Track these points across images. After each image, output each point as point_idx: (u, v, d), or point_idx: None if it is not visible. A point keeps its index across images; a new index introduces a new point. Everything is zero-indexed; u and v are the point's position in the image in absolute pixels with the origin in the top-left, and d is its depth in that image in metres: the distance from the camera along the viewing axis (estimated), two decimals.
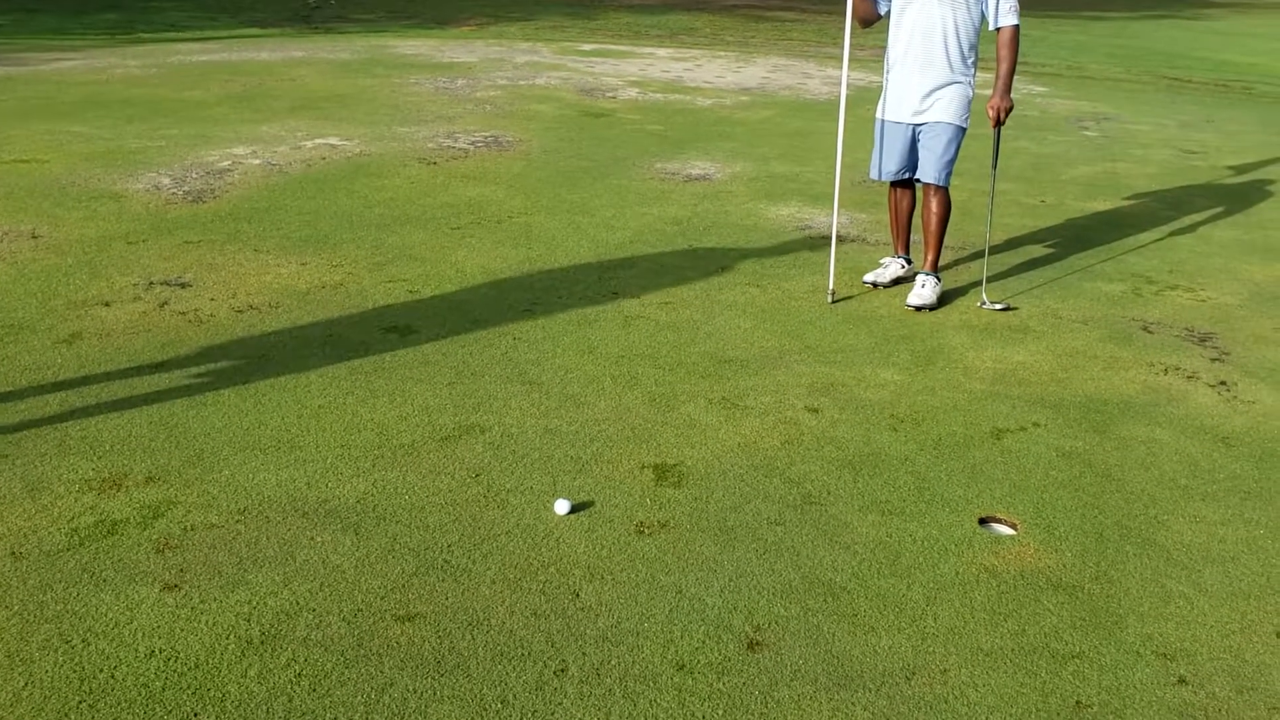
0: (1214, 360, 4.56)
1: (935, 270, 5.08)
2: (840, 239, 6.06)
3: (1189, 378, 4.37)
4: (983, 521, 3.24)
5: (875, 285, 5.24)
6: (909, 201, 5.28)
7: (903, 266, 5.32)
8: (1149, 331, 4.86)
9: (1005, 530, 3.22)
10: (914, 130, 5.01)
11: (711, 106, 10.27)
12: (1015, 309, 5.04)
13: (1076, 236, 6.36)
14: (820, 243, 5.95)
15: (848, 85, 5.16)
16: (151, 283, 4.81)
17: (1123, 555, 3.09)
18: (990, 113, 4.93)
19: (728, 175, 7.44)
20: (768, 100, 10.85)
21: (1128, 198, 7.41)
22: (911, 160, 5.07)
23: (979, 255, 5.56)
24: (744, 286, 5.18)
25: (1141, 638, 2.74)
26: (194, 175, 6.61)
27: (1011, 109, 4.95)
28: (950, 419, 3.89)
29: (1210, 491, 3.48)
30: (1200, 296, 5.37)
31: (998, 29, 4.86)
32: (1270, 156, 9.31)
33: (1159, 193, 7.60)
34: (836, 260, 5.15)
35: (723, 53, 14.96)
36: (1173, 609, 2.86)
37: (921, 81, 4.90)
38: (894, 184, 5.22)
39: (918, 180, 5.11)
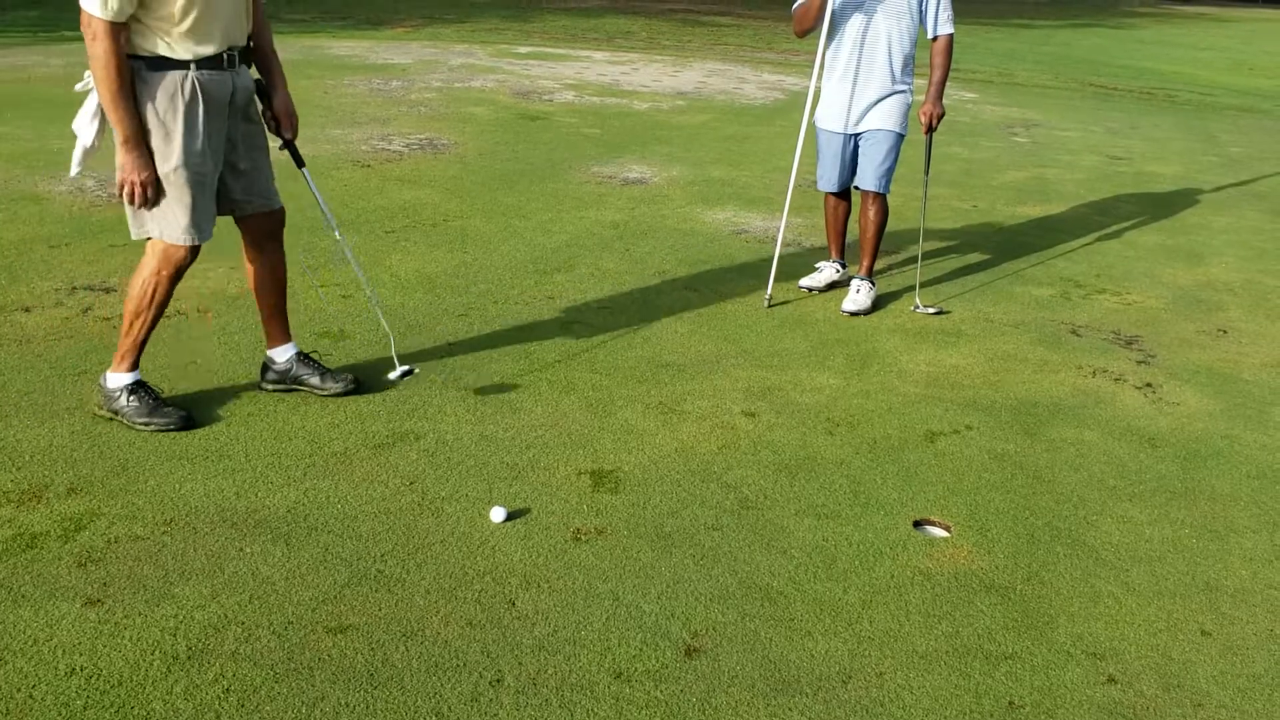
0: (1140, 363, 4.65)
1: (870, 276, 5.12)
2: (776, 242, 6.09)
3: (1116, 380, 4.45)
4: (917, 524, 3.27)
5: (811, 290, 5.27)
6: (845, 208, 5.32)
7: (837, 271, 5.36)
8: (1077, 335, 4.95)
9: (939, 532, 3.25)
10: (855, 139, 5.04)
11: (648, 110, 10.28)
12: (948, 313, 5.10)
13: (1007, 241, 6.46)
14: (756, 247, 5.98)
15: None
16: (74, 287, 4.68)
17: (1053, 556, 3.14)
18: (923, 119, 4.98)
19: (664, 179, 7.45)
20: (704, 104, 10.89)
21: (1056, 203, 7.55)
22: (854, 168, 5.11)
23: (912, 260, 5.62)
24: (681, 291, 5.18)
25: (1072, 638, 2.77)
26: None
27: (943, 115, 5.01)
28: (885, 422, 3.93)
29: (1137, 492, 3.55)
30: (1126, 300, 5.48)
31: (934, 37, 4.91)
32: (1193, 162, 9.55)
33: (1086, 198, 7.76)
34: (772, 264, 5.17)
35: (659, 57, 14.99)
36: (1102, 609, 2.91)
37: (863, 92, 4.93)
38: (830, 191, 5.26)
39: (856, 187, 5.15)
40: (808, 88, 5.22)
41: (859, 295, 5.04)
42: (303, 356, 3.80)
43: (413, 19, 17.57)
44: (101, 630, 2.54)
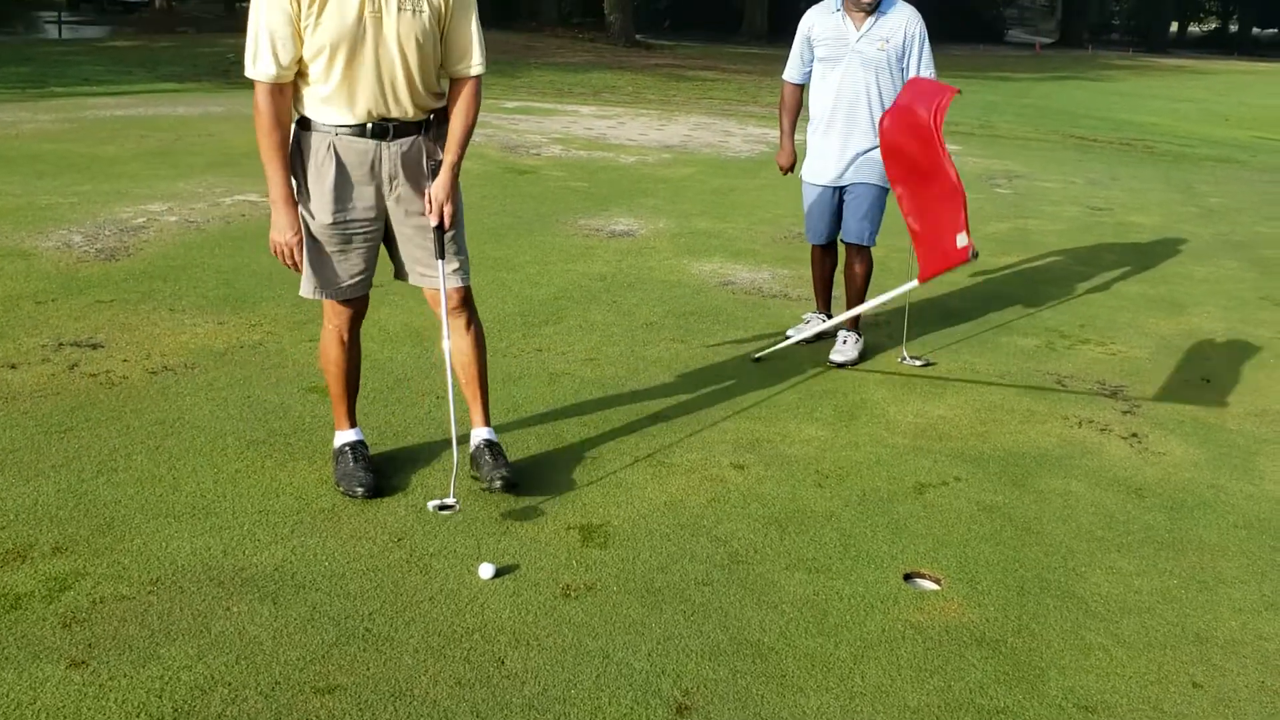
0: (1125, 413, 4.68)
1: (857, 327, 5.15)
2: (763, 294, 6.13)
3: (1102, 430, 4.47)
4: (907, 577, 3.27)
5: (799, 342, 5.30)
6: (832, 260, 5.36)
7: (823, 322, 5.39)
8: (1063, 385, 4.98)
9: (930, 585, 3.24)
10: (839, 192, 5.09)
11: (634, 163, 10.37)
12: (934, 364, 5.13)
13: (991, 292, 6.51)
14: (743, 298, 6.01)
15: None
16: (61, 343, 4.67)
17: (1043, 608, 3.14)
18: None
19: (651, 231, 7.50)
20: (689, 158, 11.00)
21: (1039, 254, 7.63)
22: (839, 222, 5.16)
23: (899, 311, 5.66)
24: (668, 343, 5.20)
25: (1063, 690, 2.77)
26: (107, 232, 6.47)
27: None
28: (874, 474, 3.93)
29: (1125, 542, 3.56)
30: (1111, 350, 5.52)
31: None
32: (1172, 213, 9.67)
33: (1069, 249, 7.84)
34: (760, 316, 5.20)
35: (645, 111, 15.15)
36: (1092, 661, 2.90)
37: (845, 145, 4.98)
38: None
39: (842, 240, 5.19)
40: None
41: (846, 346, 5.07)
42: (490, 446, 3.62)
43: None
44: (86, 693, 2.51)
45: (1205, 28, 66.54)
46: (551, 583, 3.09)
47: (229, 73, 17.84)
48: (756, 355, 5.05)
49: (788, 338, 5.30)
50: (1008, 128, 16.16)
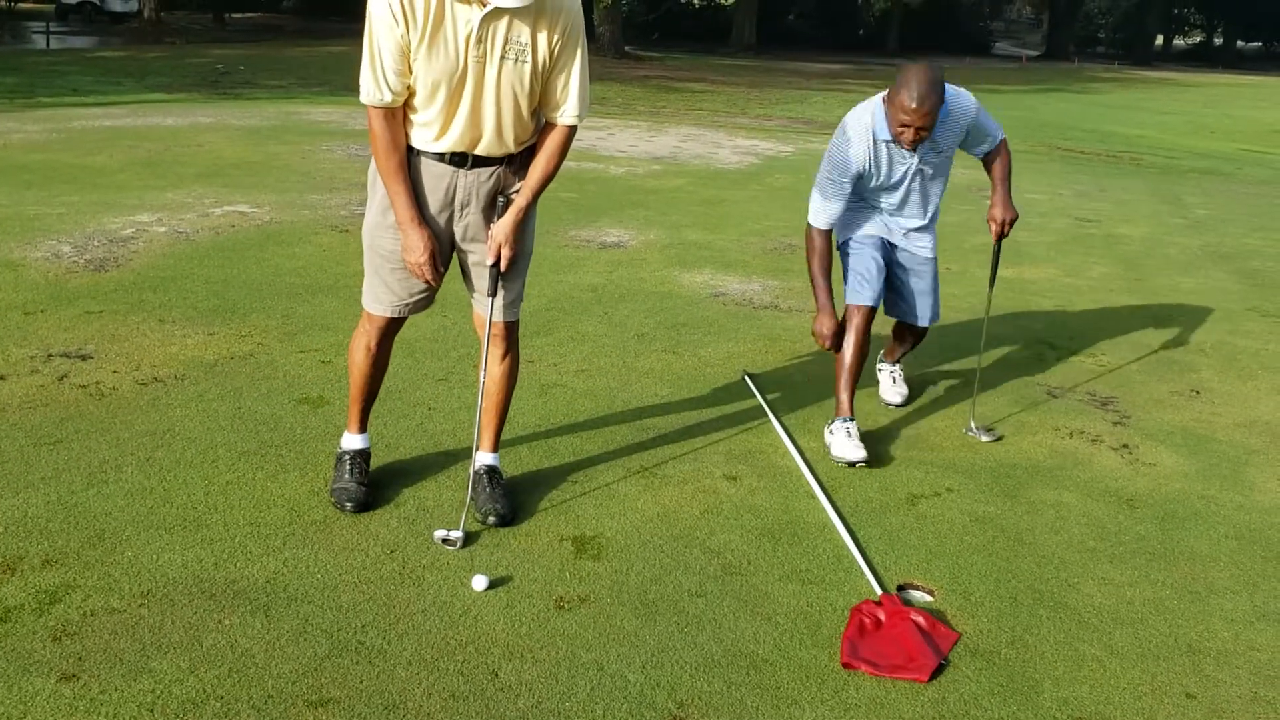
0: (1116, 424, 4.69)
1: (900, 360, 4.89)
2: (754, 305, 6.14)
3: (1093, 441, 4.48)
4: (900, 588, 3.27)
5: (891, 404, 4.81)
6: (867, 331, 4.39)
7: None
8: (1053, 396, 4.99)
9: (923, 597, 3.24)
10: (888, 248, 4.48)
11: (624, 175, 10.38)
12: (1004, 438, 4.91)
13: (980, 303, 6.53)
14: (734, 309, 6.02)
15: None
16: (50, 355, 4.65)
17: (1036, 619, 3.14)
18: (993, 227, 4.40)
19: (641, 243, 7.51)
20: (679, 169, 11.02)
21: (1028, 265, 7.66)
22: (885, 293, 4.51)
23: (967, 383, 5.64)
24: (660, 354, 5.20)
25: (1057, 702, 2.77)
26: (96, 243, 6.45)
27: (1016, 219, 4.41)
28: (866, 484, 3.94)
29: (1117, 553, 3.56)
30: (1100, 361, 5.54)
31: (991, 151, 4.42)
32: (1160, 224, 9.72)
33: (1057, 260, 7.87)
34: (751, 327, 5.20)
35: (634, 122, 15.18)
36: (1086, 672, 2.90)
37: (890, 217, 4.47)
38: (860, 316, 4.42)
39: (902, 320, 4.65)
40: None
41: (897, 385, 4.81)
42: (490, 473, 3.60)
43: None
44: (77, 706, 2.49)
45: (1190, 41, 67.07)
46: (545, 595, 3.08)
47: (218, 83, 17.83)
48: (745, 374, 5.02)
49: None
50: None
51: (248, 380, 4.50)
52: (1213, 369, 5.55)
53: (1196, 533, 3.74)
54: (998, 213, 4.39)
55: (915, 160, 4.25)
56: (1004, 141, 4.43)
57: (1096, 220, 9.67)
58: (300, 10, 44.10)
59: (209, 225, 7.07)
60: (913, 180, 4.33)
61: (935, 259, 4.53)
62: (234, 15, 39.52)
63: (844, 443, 4.09)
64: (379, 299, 3.44)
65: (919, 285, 4.52)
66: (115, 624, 2.80)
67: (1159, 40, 61.68)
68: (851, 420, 4.20)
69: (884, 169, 4.26)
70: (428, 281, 3.33)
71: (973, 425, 4.53)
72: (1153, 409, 4.91)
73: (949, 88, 4.12)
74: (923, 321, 4.57)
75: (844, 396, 4.27)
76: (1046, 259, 7.89)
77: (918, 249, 4.48)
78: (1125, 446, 4.45)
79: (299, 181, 8.79)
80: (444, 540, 3.28)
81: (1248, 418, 4.87)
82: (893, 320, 4.75)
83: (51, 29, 29.62)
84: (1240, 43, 62.27)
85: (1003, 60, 47.31)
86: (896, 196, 4.39)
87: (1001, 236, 4.43)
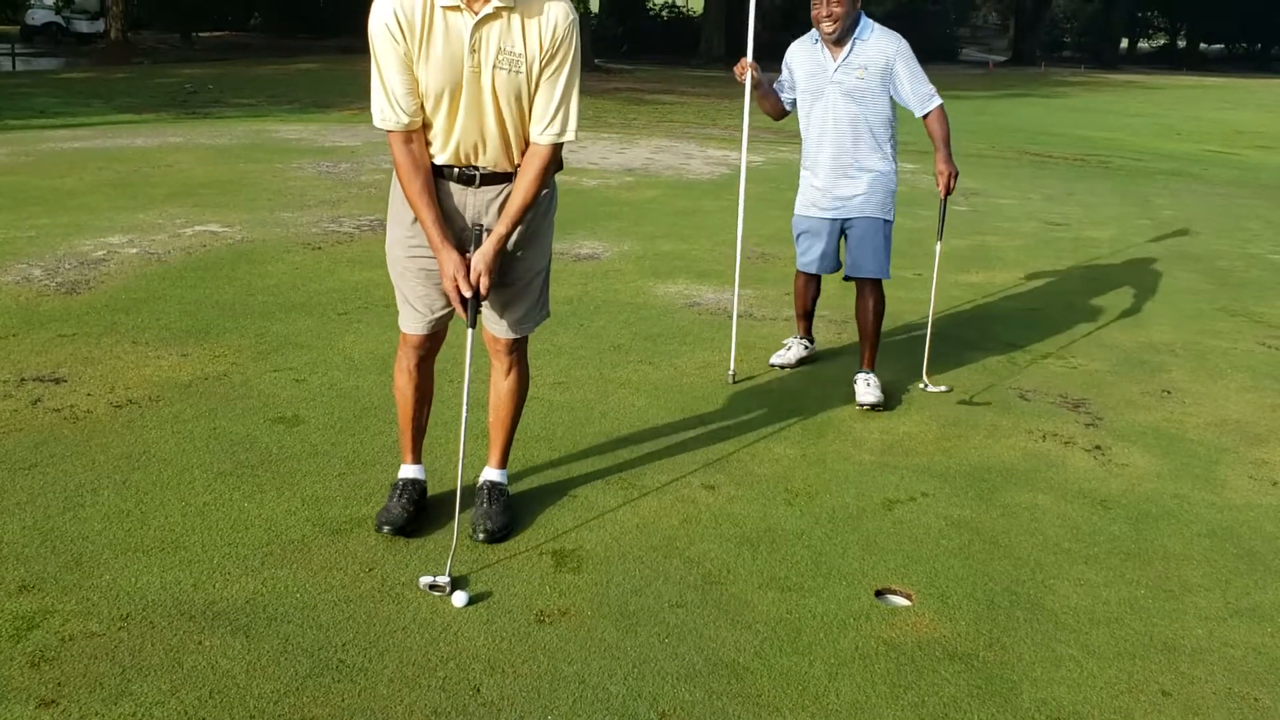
0: (1088, 425, 4.74)
1: (874, 364, 4.99)
2: (729, 314, 6.16)
3: (1066, 443, 4.53)
4: (879, 593, 3.29)
5: (783, 367, 5.27)
6: (816, 288, 5.30)
7: (806, 348, 5.39)
8: (1026, 399, 5.04)
9: (901, 601, 3.27)
10: (838, 226, 4.95)
11: (597, 187, 10.41)
12: (952, 390, 5.11)
13: (951, 308, 6.59)
14: (709, 319, 6.05)
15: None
16: (23, 379, 4.62)
17: (1014, 621, 3.17)
18: (939, 181, 4.84)
19: (616, 254, 7.53)
20: (652, 180, 11.05)
21: (999, 269, 7.73)
22: (835, 256, 5.04)
23: (919, 340, 5.66)
24: (636, 365, 5.22)
25: (1036, 703, 2.80)
26: (67, 266, 6.41)
27: (957, 174, 4.87)
28: (843, 491, 3.96)
29: (1092, 554, 3.60)
30: (1071, 364, 5.60)
31: (925, 115, 4.81)
32: (1128, 226, 9.83)
33: (1027, 264, 7.95)
34: (726, 336, 5.22)
35: (606, 134, 15.21)
36: (1063, 673, 2.93)
37: (836, 177, 4.87)
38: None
39: (852, 276, 4.97)
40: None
41: (871, 388, 4.86)
42: (492, 488, 3.61)
43: (360, 101, 17.70)
44: None
45: (1154, 44, 67.83)
46: (525, 609, 3.09)
47: (187, 103, 17.76)
48: (733, 380, 5.04)
49: (771, 364, 5.30)
50: (964, 145, 16.35)
51: (222, 401, 4.49)
52: (1183, 369, 5.62)
53: (1170, 532, 3.79)
54: (943, 167, 4.85)
55: (834, 68, 4.78)
56: (941, 106, 4.85)
57: (1065, 224, 9.77)
58: (268, 28, 43.94)
59: (180, 245, 7.04)
60: (831, 98, 4.80)
61: (875, 218, 4.86)
62: (201, 34, 39.31)
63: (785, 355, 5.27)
64: (405, 317, 3.45)
65: (854, 237, 4.94)
66: (94, 648, 2.79)
67: (1124, 43, 62.36)
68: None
69: (809, 68, 4.88)
70: (460, 303, 3.24)
71: (926, 381, 5.11)
72: (1124, 410, 4.96)
73: (882, 26, 4.82)
74: (857, 274, 4.95)
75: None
76: (1017, 263, 7.96)
77: (853, 210, 4.89)
78: (1098, 448, 4.50)
79: (270, 200, 8.76)
80: (431, 586, 3.15)
81: (1218, 417, 4.94)
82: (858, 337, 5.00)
83: (17, 51, 29.39)
84: (1204, 45, 63.04)
85: (970, 66, 47.66)
86: (816, 123, 4.89)
87: (949, 191, 4.89)
